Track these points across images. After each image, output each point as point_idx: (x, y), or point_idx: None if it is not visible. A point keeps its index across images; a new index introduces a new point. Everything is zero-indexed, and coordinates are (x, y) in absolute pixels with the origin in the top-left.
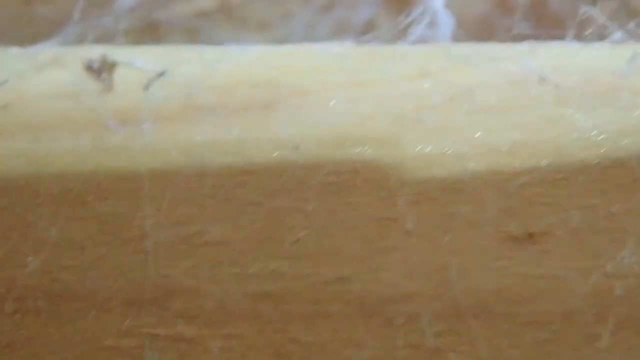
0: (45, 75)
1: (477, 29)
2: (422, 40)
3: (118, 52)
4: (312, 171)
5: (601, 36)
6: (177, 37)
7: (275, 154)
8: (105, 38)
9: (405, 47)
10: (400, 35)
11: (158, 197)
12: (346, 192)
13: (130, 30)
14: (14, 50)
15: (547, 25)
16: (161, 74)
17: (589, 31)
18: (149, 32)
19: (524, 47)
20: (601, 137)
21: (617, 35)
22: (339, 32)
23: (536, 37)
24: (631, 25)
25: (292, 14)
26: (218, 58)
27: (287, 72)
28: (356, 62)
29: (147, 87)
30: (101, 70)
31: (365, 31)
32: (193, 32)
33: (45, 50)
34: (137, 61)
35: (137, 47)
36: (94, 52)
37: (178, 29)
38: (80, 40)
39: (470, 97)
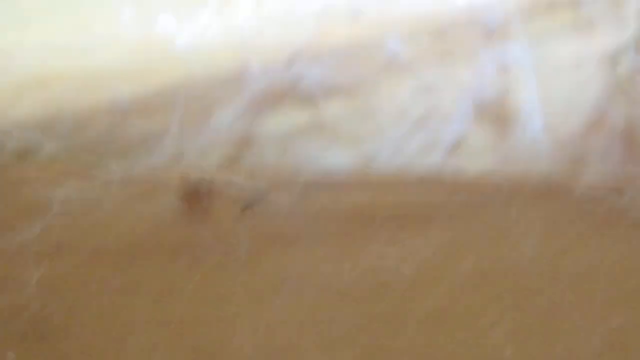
0: (145, 197)
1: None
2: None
3: (215, 172)
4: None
5: None
6: (270, 152)
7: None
8: (201, 154)
9: None
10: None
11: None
12: None
13: (225, 146)
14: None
15: None
16: (261, 196)
17: None
18: (242, 147)
19: None
20: None
21: None
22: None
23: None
24: None
25: (383, 129)
26: (317, 180)
27: (381, 201)
28: None
29: (245, 208)
30: (200, 190)
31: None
32: (285, 146)
33: (143, 169)
34: (234, 181)
35: (233, 167)
36: (192, 171)
37: (271, 144)
38: (176, 155)
39: None
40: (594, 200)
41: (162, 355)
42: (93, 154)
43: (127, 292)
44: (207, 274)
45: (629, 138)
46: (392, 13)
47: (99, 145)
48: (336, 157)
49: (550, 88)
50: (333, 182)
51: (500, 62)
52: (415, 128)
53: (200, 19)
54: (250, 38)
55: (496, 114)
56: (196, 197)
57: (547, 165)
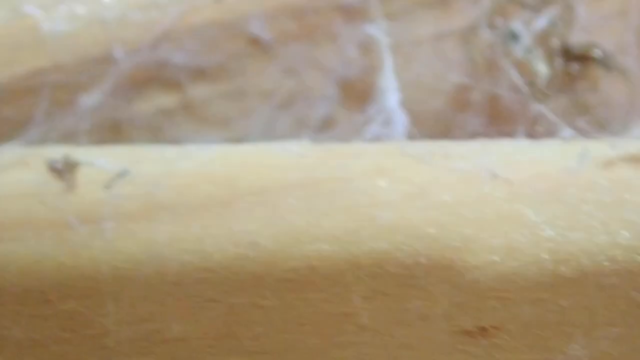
0: (9, 175)
1: (432, 127)
2: (378, 138)
3: (80, 152)
4: (269, 268)
5: (551, 133)
6: (140, 136)
7: (234, 251)
8: (68, 138)
9: (361, 145)
10: (356, 133)
11: (119, 295)
12: (303, 288)
13: (92, 130)
14: None
15: (499, 122)
16: (122, 174)
17: (539, 128)
18: (111, 131)
19: (476, 144)
20: (551, 232)
21: (567, 132)
22: (298, 128)
23: (488, 135)
24: (581, 122)
25: (252, 111)
26: (178, 157)
27: (245, 171)
28: (313, 160)
29: (108, 186)
30: (64, 170)
31: (323, 127)
32: (155, 130)
33: (9, 151)
34: (98, 161)
35: (98, 147)
36: (57, 152)
37: (140, 127)
38: (43, 140)
39: (423, 194)
40: None
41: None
42: None
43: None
44: (73, 250)
45: (491, 113)
46: None
47: None
48: (206, 139)
49: (410, 65)
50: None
51: (361, 41)
52: (283, 108)
53: (65, 3)
54: (115, 23)
55: (360, 93)
56: (60, 175)
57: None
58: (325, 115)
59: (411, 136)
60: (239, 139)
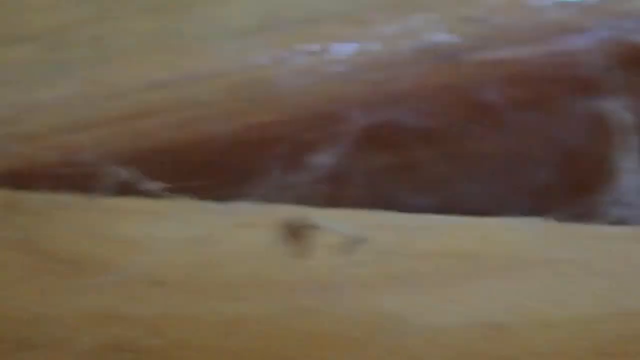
0: (243, 233)
1: None
2: (622, 221)
3: (315, 213)
4: (514, 350)
5: None
6: (358, 193)
7: (475, 329)
8: (300, 197)
9: (605, 228)
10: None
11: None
12: None
13: (318, 187)
14: (212, 205)
15: None
16: (360, 240)
17: None
18: (333, 188)
19: None
20: None
21: None
22: (515, 193)
23: None
24: None
25: (470, 173)
26: (417, 226)
27: (486, 246)
28: (556, 240)
29: (346, 252)
30: (300, 232)
31: (542, 195)
32: (374, 188)
33: (243, 208)
34: (335, 225)
35: (332, 209)
36: (292, 212)
37: (360, 186)
38: (274, 197)
39: None
40: None
41: None
42: (191, 191)
43: (229, 333)
44: (306, 316)
45: None
46: (489, 59)
47: (196, 183)
48: (423, 199)
49: None
50: (429, 224)
51: (596, 115)
52: (502, 173)
53: (299, 59)
54: (349, 80)
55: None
56: (297, 236)
57: None
58: (546, 183)
59: None
60: (455, 200)
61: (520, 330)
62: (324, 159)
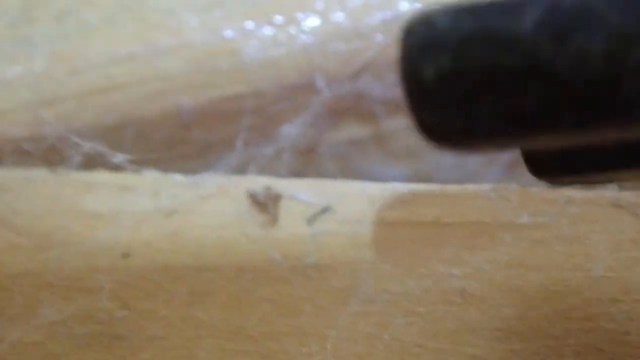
0: (210, 205)
1: None
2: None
3: (281, 184)
4: (480, 317)
5: None
6: (329, 165)
7: (441, 298)
8: (267, 167)
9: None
10: None
11: (322, 334)
12: (510, 339)
13: (287, 160)
14: (179, 178)
15: None
16: (326, 209)
17: None
18: (302, 160)
19: None
20: None
21: None
22: (487, 165)
23: None
24: None
25: None
26: (382, 194)
27: (450, 212)
28: (515, 204)
29: (311, 222)
30: (266, 202)
31: (511, 165)
32: (344, 160)
33: (209, 180)
34: (300, 194)
35: (298, 179)
36: (258, 183)
37: (330, 157)
38: (241, 169)
39: None
40: None
41: None
42: (157, 164)
43: (195, 302)
44: (274, 286)
45: None
46: None
47: (162, 156)
48: (393, 171)
49: None
50: (395, 193)
51: None
52: None
53: (265, 31)
54: (315, 52)
55: None
56: (263, 207)
57: None
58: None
59: None
60: (427, 173)
61: (486, 296)
62: (290, 130)
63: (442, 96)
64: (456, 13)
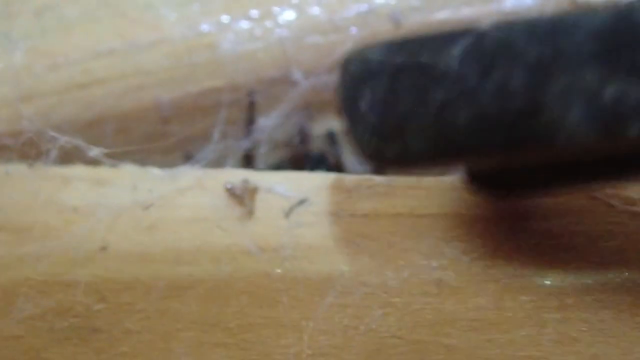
0: (186, 198)
1: None
2: None
3: (258, 177)
4: (454, 306)
5: None
6: (308, 159)
7: (418, 289)
8: (244, 160)
9: None
10: None
11: (299, 325)
12: (488, 329)
13: (266, 153)
14: (156, 172)
15: None
16: (302, 202)
17: None
18: (283, 154)
19: None
20: None
21: None
22: None
23: None
24: None
25: None
26: (357, 186)
27: (426, 204)
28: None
29: (288, 214)
30: (243, 195)
31: None
32: (321, 151)
33: (186, 173)
34: (277, 187)
35: (276, 172)
36: (235, 175)
37: (307, 149)
38: (218, 162)
39: None
40: None
41: (209, 356)
42: (135, 158)
43: (172, 295)
44: (251, 278)
45: None
46: (431, 21)
47: (140, 150)
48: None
49: None
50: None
51: None
52: None
53: (241, 25)
54: (292, 45)
55: None
56: (240, 199)
57: None
58: None
59: None
60: None
61: (460, 285)
62: (267, 123)
63: (376, 124)
64: (388, 48)
